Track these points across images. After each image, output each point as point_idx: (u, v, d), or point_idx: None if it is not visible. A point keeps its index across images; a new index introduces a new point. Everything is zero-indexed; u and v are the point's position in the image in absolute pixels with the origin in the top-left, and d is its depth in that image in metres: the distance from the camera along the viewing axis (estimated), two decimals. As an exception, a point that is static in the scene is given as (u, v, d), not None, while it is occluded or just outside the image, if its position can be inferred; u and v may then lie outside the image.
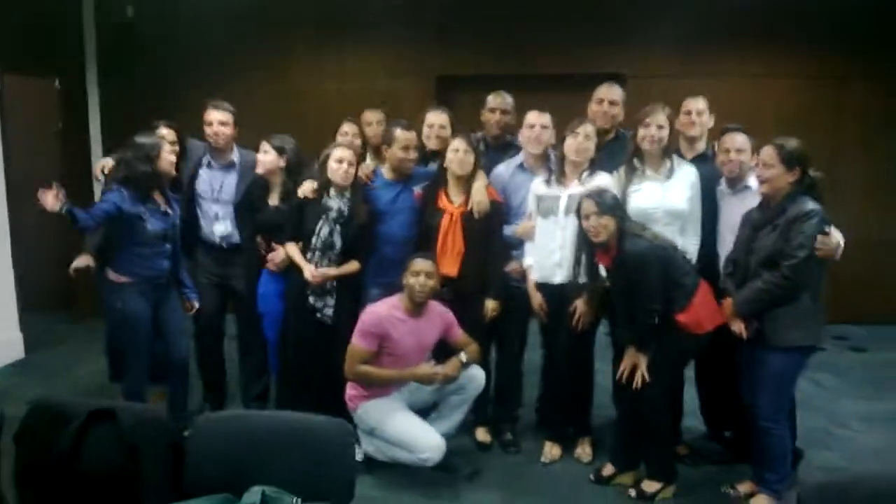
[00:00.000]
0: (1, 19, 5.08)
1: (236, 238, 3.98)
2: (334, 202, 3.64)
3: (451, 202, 3.69)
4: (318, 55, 6.25)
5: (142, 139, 3.52)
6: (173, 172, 3.67)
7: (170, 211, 3.60)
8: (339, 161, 3.61)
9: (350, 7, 6.14)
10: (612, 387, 3.64)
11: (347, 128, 4.25)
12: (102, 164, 3.90)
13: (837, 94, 6.00)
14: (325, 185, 3.66)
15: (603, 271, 3.37)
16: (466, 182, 3.68)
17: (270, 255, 3.80)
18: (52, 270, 4.94)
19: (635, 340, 3.28)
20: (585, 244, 3.31)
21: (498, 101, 4.01)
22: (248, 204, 3.87)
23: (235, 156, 4.02)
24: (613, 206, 3.21)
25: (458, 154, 3.62)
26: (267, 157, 3.78)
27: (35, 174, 5.62)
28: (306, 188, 3.71)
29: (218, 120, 3.89)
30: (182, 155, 3.92)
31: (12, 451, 2.18)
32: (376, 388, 3.51)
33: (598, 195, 3.24)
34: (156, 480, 2.11)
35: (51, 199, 3.17)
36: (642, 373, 3.24)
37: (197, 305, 3.87)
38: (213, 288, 4.05)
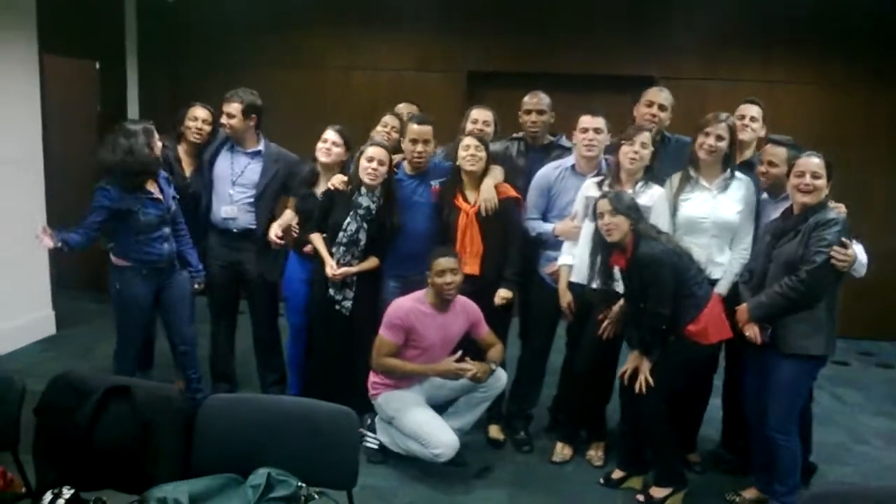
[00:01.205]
0: (43, 2, 5.18)
1: (245, 222, 4.01)
2: (364, 199, 3.66)
3: (467, 201, 3.71)
4: (351, 47, 6.28)
5: (122, 134, 3.49)
6: (159, 161, 3.65)
7: (161, 196, 3.60)
8: (369, 160, 3.63)
9: (384, 1, 6.18)
10: (619, 390, 3.61)
11: (388, 119, 4.24)
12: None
13: (862, 101, 5.88)
14: (356, 181, 3.69)
15: (618, 275, 3.36)
16: (480, 180, 3.70)
17: (306, 248, 3.84)
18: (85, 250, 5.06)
19: (641, 343, 3.28)
20: (601, 245, 3.31)
21: (534, 102, 3.99)
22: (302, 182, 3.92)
23: (261, 145, 4.07)
24: (628, 207, 3.20)
25: (469, 151, 3.65)
26: (337, 149, 3.82)
27: (73, 155, 5.79)
28: (336, 180, 3.76)
29: (226, 112, 3.94)
30: (213, 137, 4.03)
31: (33, 423, 2.26)
32: (399, 378, 3.55)
33: (614, 195, 3.24)
34: (167, 457, 2.17)
35: (47, 241, 3.31)
36: (645, 377, 3.24)
37: (202, 286, 3.91)
38: (225, 274, 4.09)
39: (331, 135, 3.84)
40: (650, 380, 3.23)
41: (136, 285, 3.62)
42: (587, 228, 3.52)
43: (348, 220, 3.67)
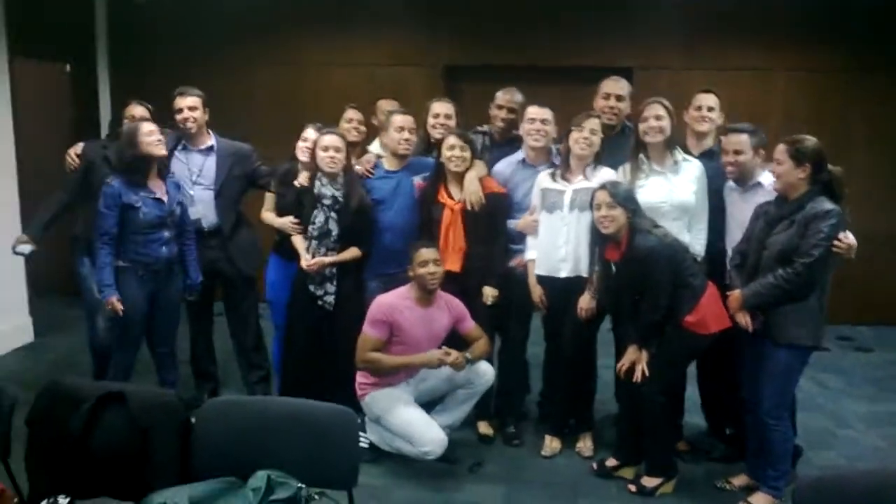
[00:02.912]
0: (11, 3, 5.08)
1: (212, 220, 3.97)
2: (327, 189, 3.66)
3: (451, 197, 3.70)
4: (327, 43, 6.25)
5: (125, 129, 3.56)
6: (162, 152, 3.59)
7: (164, 198, 3.59)
8: (324, 149, 3.62)
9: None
10: (615, 382, 3.65)
11: (352, 114, 4.22)
12: (73, 150, 3.97)
13: (844, 87, 5.96)
14: (314, 173, 3.68)
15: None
16: (464, 176, 3.68)
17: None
18: (60, 255, 4.96)
19: (638, 337, 3.29)
20: (597, 236, 3.32)
21: (506, 98, 4.01)
22: (279, 178, 3.90)
23: (213, 140, 4.04)
24: (626, 199, 3.22)
25: (455, 152, 3.64)
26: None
27: (47, 159, 5.67)
28: (302, 177, 3.75)
29: (187, 105, 3.90)
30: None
31: (24, 434, 2.22)
32: (385, 377, 3.53)
33: (612, 186, 3.26)
34: (164, 463, 2.15)
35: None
36: (642, 369, 3.26)
37: (192, 297, 3.88)
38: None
39: (311, 133, 3.81)
40: (646, 371, 3.25)
41: (132, 288, 3.57)
42: (544, 219, 3.60)
43: (315, 212, 3.66)
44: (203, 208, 3.95)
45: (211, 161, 4.00)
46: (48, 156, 5.68)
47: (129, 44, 6.33)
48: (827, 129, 5.68)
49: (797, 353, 3.12)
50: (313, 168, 3.70)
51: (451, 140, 3.67)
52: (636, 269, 3.20)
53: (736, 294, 3.18)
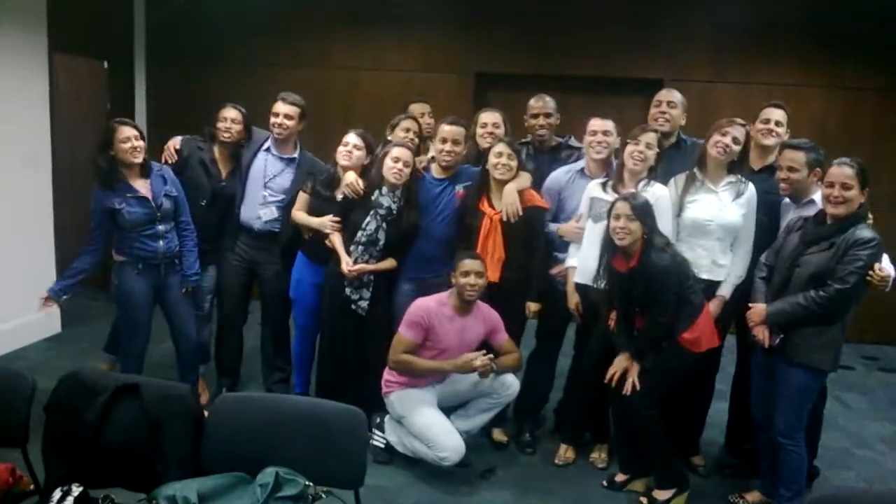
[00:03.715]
0: (53, 2, 5.20)
1: (269, 224, 4.03)
2: (385, 199, 3.68)
3: (493, 206, 3.68)
4: (358, 47, 6.31)
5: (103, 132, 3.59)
6: (136, 160, 3.54)
7: (148, 195, 3.58)
8: (395, 160, 3.64)
9: (391, 1, 6.20)
10: (607, 394, 3.52)
11: (409, 123, 4.11)
12: (172, 144, 4.02)
13: (876, 105, 5.90)
14: (378, 181, 3.70)
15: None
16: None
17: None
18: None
19: (635, 349, 3.29)
20: (608, 245, 3.31)
21: (539, 105, 4.00)
22: (322, 183, 3.89)
23: (296, 153, 4.09)
24: (645, 214, 3.20)
25: (502, 159, 3.62)
26: (358, 153, 3.81)
27: (81, 154, 5.79)
28: (351, 180, 3.75)
29: (284, 112, 3.96)
30: (247, 139, 4.04)
31: (42, 421, 2.28)
32: (412, 377, 3.56)
33: (633, 198, 3.24)
34: (176, 455, 2.19)
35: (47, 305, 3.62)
36: (633, 380, 3.25)
37: (190, 291, 3.85)
38: (241, 271, 4.12)
39: (352, 138, 3.83)
40: (637, 384, 3.24)
41: (132, 280, 3.64)
42: (590, 228, 3.55)
43: (368, 219, 3.68)
44: (265, 211, 4.01)
45: (289, 172, 4.05)
46: (82, 150, 5.83)
47: (165, 42, 6.44)
48: (859, 147, 5.62)
49: (814, 375, 3.09)
50: (378, 176, 3.70)
51: (500, 147, 3.66)
52: (644, 284, 3.18)
53: (759, 308, 3.14)
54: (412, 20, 6.22)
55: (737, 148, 3.38)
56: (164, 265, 3.69)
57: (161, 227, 3.63)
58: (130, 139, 3.51)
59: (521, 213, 3.61)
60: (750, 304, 3.20)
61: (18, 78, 5.02)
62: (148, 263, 3.64)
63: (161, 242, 3.64)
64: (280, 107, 3.98)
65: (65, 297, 3.60)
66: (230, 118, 3.96)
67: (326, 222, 3.79)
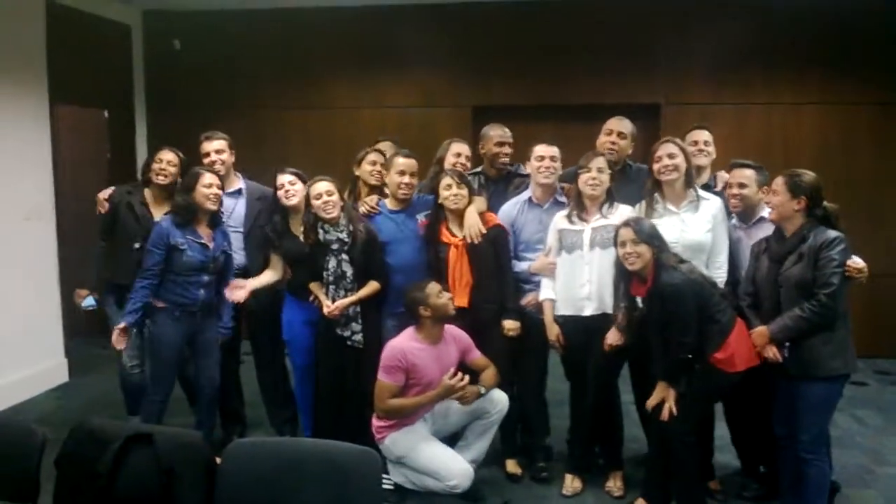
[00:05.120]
0: (53, 54, 5.28)
1: (239, 261, 4.03)
2: (331, 235, 3.70)
3: (454, 235, 3.73)
4: (357, 86, 6.39)
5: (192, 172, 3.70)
6: (212, 208, 3.67)
7: (210, 244, 3.68)
8: (316, 197, 3.67)
9: (388, 38, 6.28)
10: (641, 421, 3.58)
11: (375, 157, 4.08)
12: (102, 196, 4.10)
13: (870, 120, 5.92)
14: (314, 222, 3.72)
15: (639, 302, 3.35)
16: (463, 213, 3.71)
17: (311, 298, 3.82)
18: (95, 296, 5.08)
19: (665, 374, 3.26)
20: (622, 273, 3.31)
21: (505, 134, 4.06)
22: (273, 230, 3.88)
23: (241, 183, 4.12)
24: (651, 236, 3.21)
25: (451, 190, 3.67)
26: (300, 189, 3.81)
27: (84, 202, 5.83)
28: (296, 223, 3.83)
29: (214, 149, 4.00)
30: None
31: (54, 474, 2.26)
32: (402, 418, 3.52)
33: (635, 223, 3.24)
34: (190, 504, 2.16)
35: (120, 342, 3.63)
36: (670, 407, 3.22)
37: (221, 340, 3.91)
38: None
39: (285, 178, 3.82)
40: (674, 409, 3.21)
41: (167, 326, 3.66)
42: (563, 260, 3.61)
43: (326, 258, 3.70)
44: (240, 255, 4.03)
45: (241, 204, 4.09)
46: (86, 198, 5.86)
47: (165, 88, 6.54)
48: (859, 162, 5.66)
49: (833, 385, 3.11)
50: (312, 217, 3.72)
51: (447, 180, 3.71)
52: (661, 305, 3.17)
53: (761, 330, 3.16)
54: (409, 58, 6.32)
55: (678, 161, 3.46)
56: (200, 313, 3.72)
57: (206, 278, 3.69)
58: (213, 186, 3.62)
59: (484, 233, 3.65)
60: (749, 331, 3.21)
61: (21, 129, 5.09)
62: (186, 311, 3.67)
63: (203, 291, 3.69)
64: (208, 145, 4.01)
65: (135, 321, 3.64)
66: (166, 160, 3.98)
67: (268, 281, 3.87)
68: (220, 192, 3.68)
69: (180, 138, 4.28)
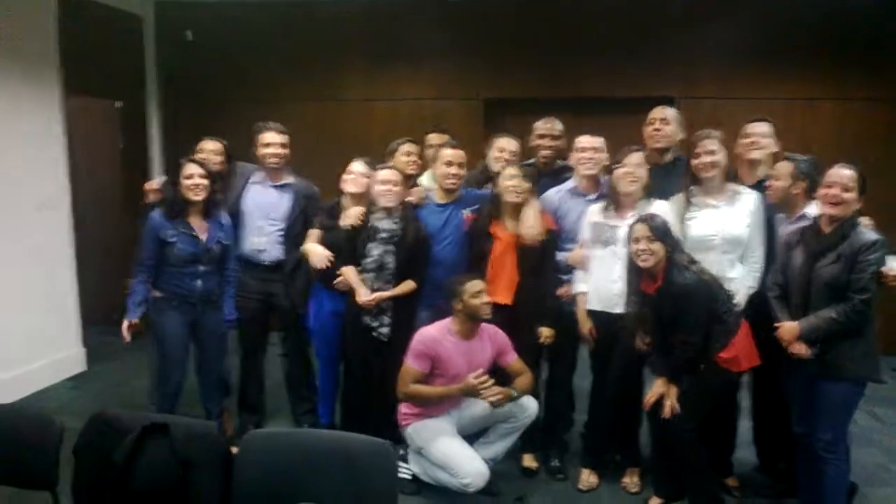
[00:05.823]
0: (66, 45, 5.29)
1: (276, 255, 4.04)
2: (384, 223, 3.68)
3: (506, 229, 3.67)
4: (370, 77, 6.37)
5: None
6: (196, 198, 3.61)
7: (202, 235, 3.65)
8: (382, 183, 3.66)
9: (401, 30, 6.25)
10: (646, 417, 3.51)
11: (409, 147, 4.14)
12: (150, 186, 4.08)
13: (883, 115, 5.86)
14: (370, 207, 3.71)
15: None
16: (519, 210, 3.64)
17: (337, 281, 3.79)
18: (112, 285, 5.10)
19: (669, 371, 3.24)
20: (633, 270, 3.28)
21: (547, 127, 4.02)
22: (322, 222, 3.89)
23: (291, 178, 4.11)
24: (665, 234, 3.18)
25: (513, 181, 3.60)
26: (365, 180, 3.81)
27: (98, 192, 5.87)
28: (352, 214, 3.76)
29: (280, 142, 4.01)
30: (229, 172, 4.04)
31: (72, 463, 2.26)
32: (429, 407, 3.52)
33: (651, 219, 3.21)
34: (206, 494, 2.15)
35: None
36: (672, 404, 3.20)
37: (224, 332, 3.90)
38: (256, 305, 4.10)
39: (357, 167, 3.85)
40: (676, 406, 3.19)
41: (167, 316, 3.67)
42: (598, 254, 3.55)
43: (370, 245, 3.68)
44: (268, 243, 4.03)
45: (286, 198, 4.07)
46: (100, 188, 5.90)
47: (177, 80, 6.53)
48: (874, 157, 5.60)
49: (856, 387, 3.07)
50: (368, 202, 3.73)
51: (512, 170, 3.65)
52: (671, 303, 3.15)
53: (790, 325, 3.09)
54: (421, 50, 6.27)
55: (717, 157, 3.40)
56: (200, 303, 3.71)
57: (202, 268, 3.67)
58: (193, 176, 3.59)
59: (541, 238, 3.59)
60: (776, 324, 3.15)
61: (34, 122, 5.09)
62: (185, 301, 3.67)
63: (199, 282, 3.68)
64: (273, 136, 4.02)
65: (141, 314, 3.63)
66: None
67: (319, 259, 3.79)
68: (203, 181, 3.60)
69: (194, 128, 4.27)
